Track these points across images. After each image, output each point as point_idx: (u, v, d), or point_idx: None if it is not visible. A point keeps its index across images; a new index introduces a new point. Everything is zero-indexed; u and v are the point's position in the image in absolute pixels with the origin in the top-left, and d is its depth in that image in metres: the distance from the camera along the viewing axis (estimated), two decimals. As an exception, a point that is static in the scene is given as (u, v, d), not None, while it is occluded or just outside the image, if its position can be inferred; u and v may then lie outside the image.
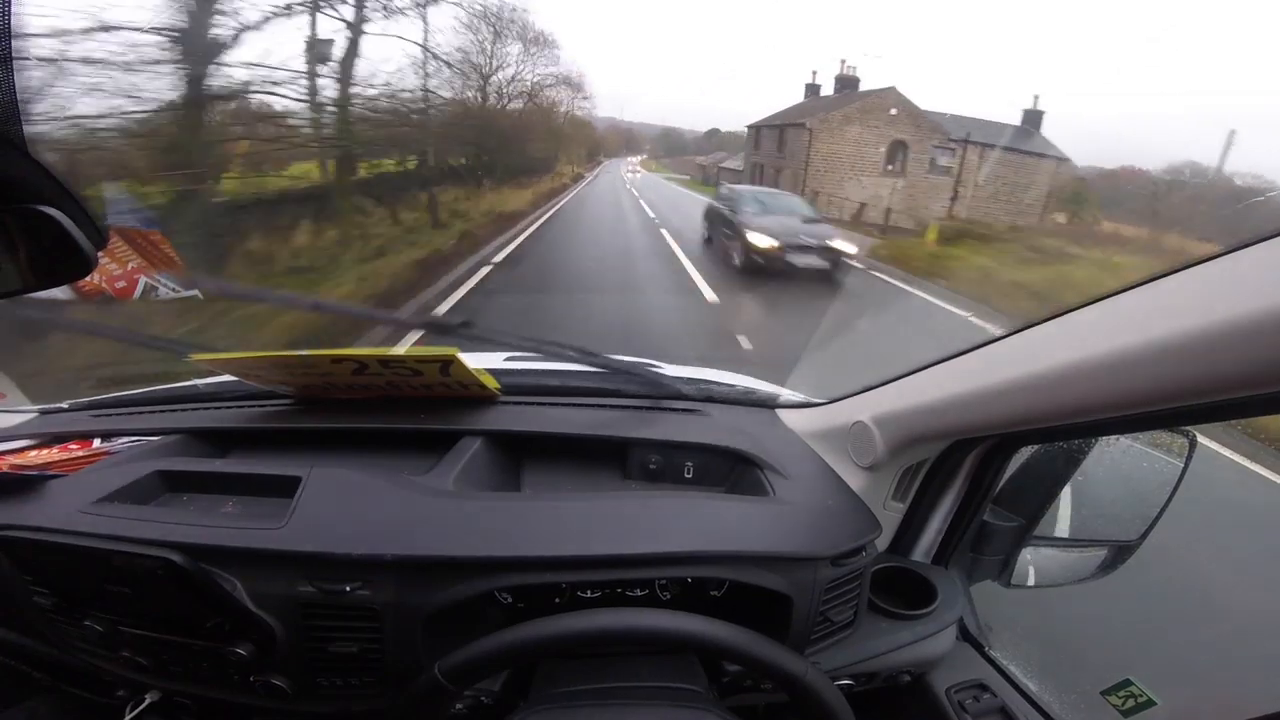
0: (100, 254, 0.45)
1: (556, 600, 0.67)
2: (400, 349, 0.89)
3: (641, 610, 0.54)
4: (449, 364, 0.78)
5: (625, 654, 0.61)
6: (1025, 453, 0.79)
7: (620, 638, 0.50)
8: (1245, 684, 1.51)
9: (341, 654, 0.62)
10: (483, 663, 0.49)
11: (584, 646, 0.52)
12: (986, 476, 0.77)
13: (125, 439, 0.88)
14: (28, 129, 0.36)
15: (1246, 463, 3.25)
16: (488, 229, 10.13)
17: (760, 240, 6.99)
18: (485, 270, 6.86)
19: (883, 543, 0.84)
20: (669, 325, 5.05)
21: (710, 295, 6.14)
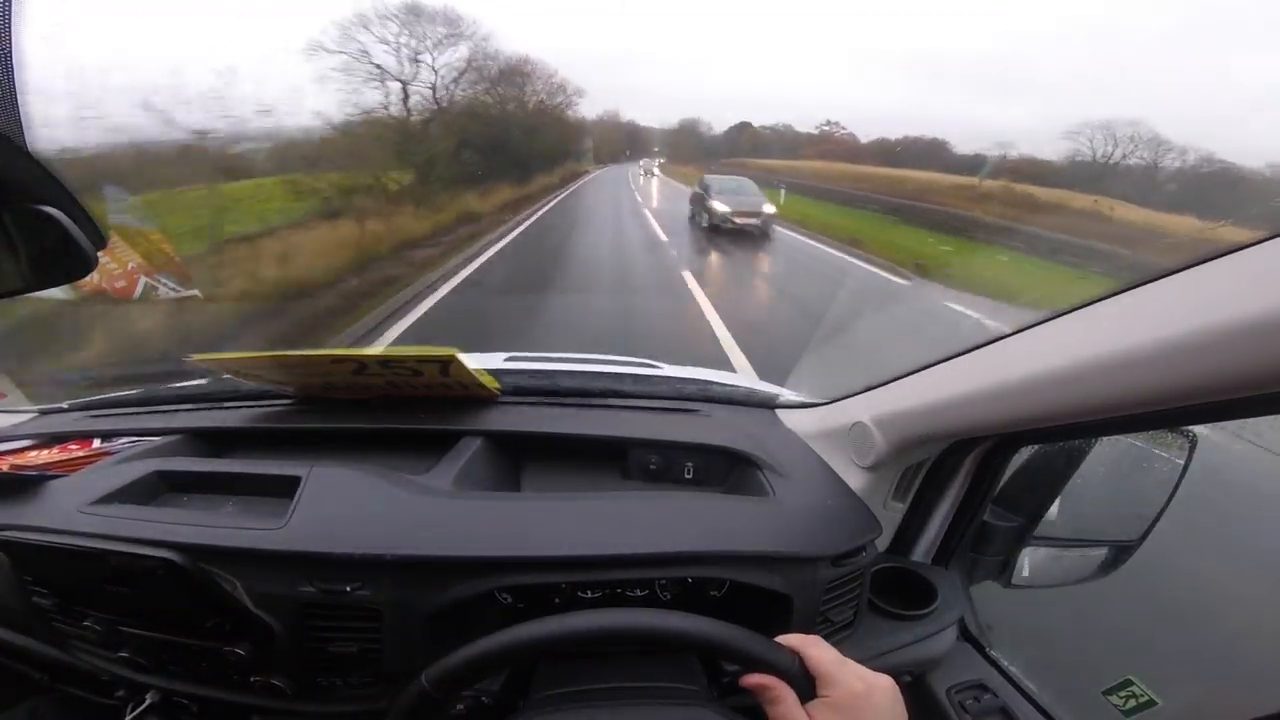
0: (101, 254, 0.45)
1: (556, 600, 0.67)
2: (378, 349, 0.88)
3: (629, 609, 0.54)
4: (449, 364, 0.78)
5: (625, 654, 0.61)
6: (1025, 453, 0.79)
7: (610, 637, 0.50)
8: (1247, 684, 1.51)
9: (341, 654, 0.62)
10: (469, 669, 0.49)
11: (572, 648, 0.52)
12: (986, 476, 0.76)
13: (125, 439, 0.88)
14: (28, 129, 0.36)
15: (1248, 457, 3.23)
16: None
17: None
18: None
19: (883, 543, 0.84)
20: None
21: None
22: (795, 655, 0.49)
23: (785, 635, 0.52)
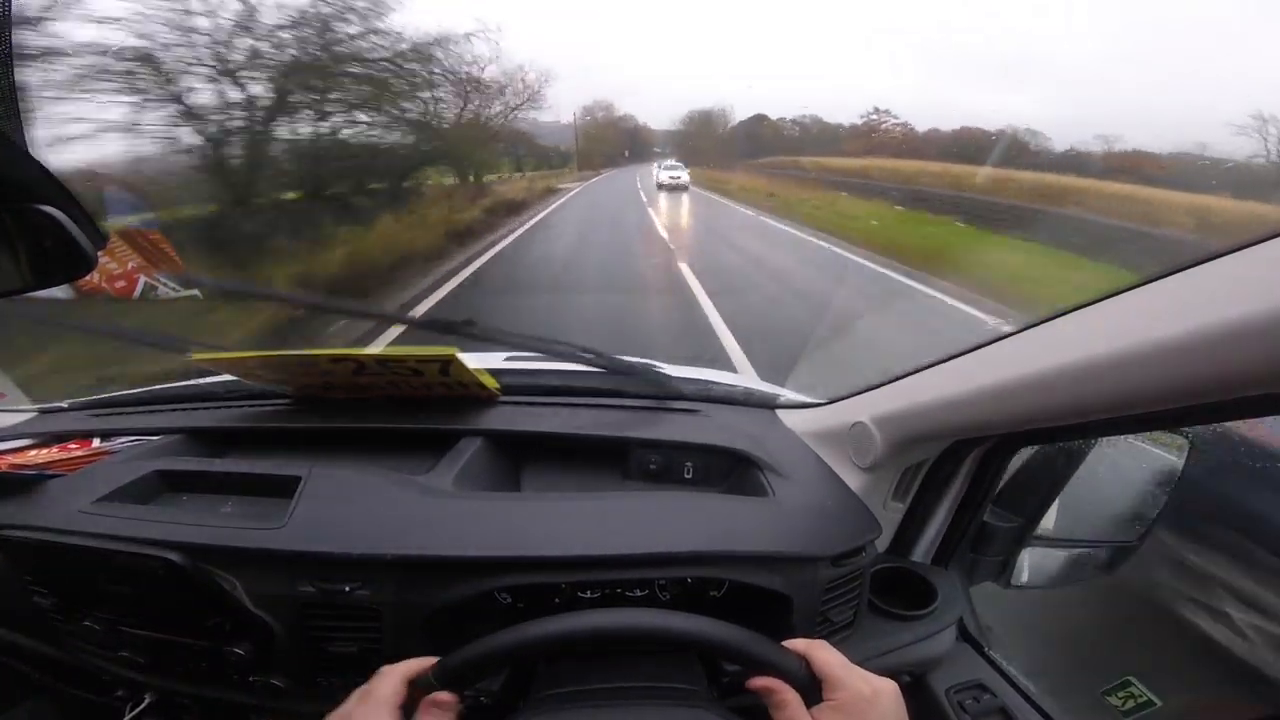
0: (100, 253, 0.45)
1: (556, 600, 0.67)
2: (375, 347, 0.89)
3: (638, 609, 0.54)
4: (449, 364, 0.78)
5: (626, 653, 0.61)
6: (1025, 453, 0.79)
7: (616, 637, 0.50)
8: (1247, 684, 1.51)
9: (341, 654, 0.62)
10: (475, 666, 0.49)
11: (575, 647, 0.52)
12: (986, 476, 0.76)
13: (125, 439, 0.88)
14: (28, 129, 0.36)
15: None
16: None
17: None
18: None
19: (883, 543, 0.84)
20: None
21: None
22: (801, 659, 0.50)
23: (791, 639, 0.52)
